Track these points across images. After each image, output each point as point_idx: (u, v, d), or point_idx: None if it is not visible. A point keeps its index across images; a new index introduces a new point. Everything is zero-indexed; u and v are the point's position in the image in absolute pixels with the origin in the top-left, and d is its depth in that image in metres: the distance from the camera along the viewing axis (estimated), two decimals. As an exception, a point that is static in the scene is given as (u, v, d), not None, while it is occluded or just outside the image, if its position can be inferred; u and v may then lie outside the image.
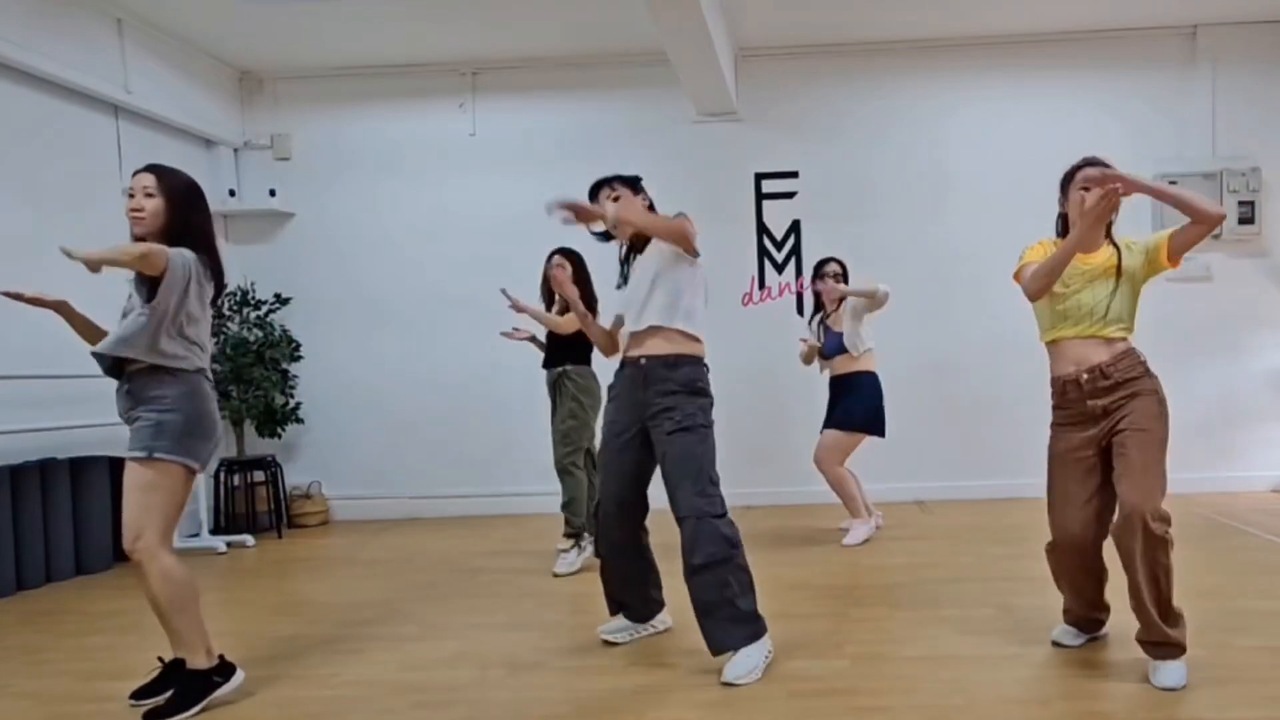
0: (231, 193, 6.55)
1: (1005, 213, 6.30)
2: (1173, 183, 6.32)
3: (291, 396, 6.62)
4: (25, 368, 4.78)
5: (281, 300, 6.57)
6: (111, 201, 5.53)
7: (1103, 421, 2.85)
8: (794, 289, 6.61)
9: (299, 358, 6.64)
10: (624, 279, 3.29)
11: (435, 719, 2.71)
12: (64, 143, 5.22)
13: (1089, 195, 2.80)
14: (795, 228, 6.60)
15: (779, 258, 6.64)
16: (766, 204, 6.63)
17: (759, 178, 6.62)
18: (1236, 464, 6.42)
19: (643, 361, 3.08)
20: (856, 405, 4.96)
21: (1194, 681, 2.75)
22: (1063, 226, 2.99)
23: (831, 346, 5.04)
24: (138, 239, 2.79)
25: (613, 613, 3.37)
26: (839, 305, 5.07)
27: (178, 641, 2.78)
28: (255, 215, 6.65)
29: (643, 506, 3.24)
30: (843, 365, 5.02)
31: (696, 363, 3.12)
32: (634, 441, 3.13)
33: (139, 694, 2.89)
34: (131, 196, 2.80)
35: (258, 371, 6.26)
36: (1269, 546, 4.70)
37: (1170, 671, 2.73)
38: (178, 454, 2.69)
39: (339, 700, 2.89)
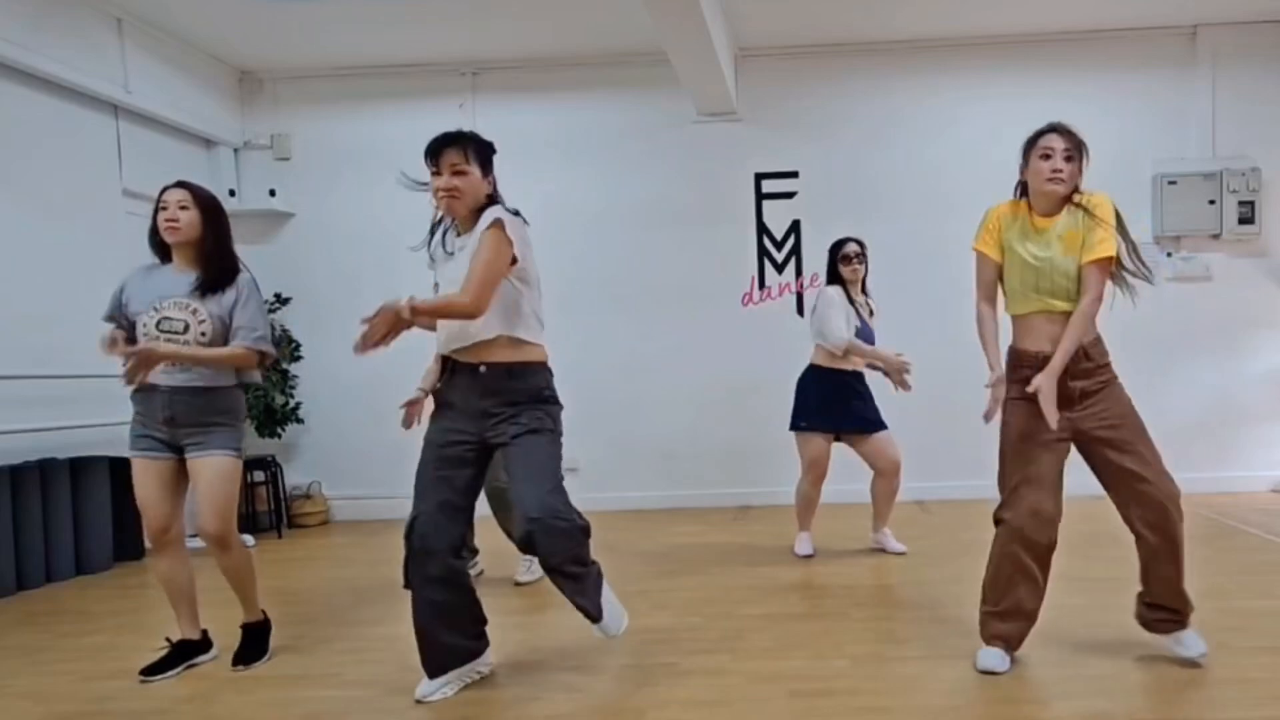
0: (231, 193, 6.55)
1: (1005, 213, 6.32)
2: (1172, 182, 6.36)
3: (291, 396, 6.62)
4: (25, 368, 4.78)
5: (281, 300, 6.57)
6: (112, 202, 5.55)
7: (1076, 406, 2.79)
8: (795, 289, 6.61)
9: (299, 358, 6.64)
10: (446, 251, 2.90)
11: (435, 719, 2.71)
12: (64, 143, 5.22)
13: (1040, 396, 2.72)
14: (795, 228, 6.60)
15: (779, 258, 6.64)
16: (766, 204, 6.63)
17: (759, 178, 6.62)
18: (1236, 464, 6.42)
19: (482, 369, 2.74)
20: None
21: (1194, 681, 2.76)
22: (1022, 191, 2.93)
23: (863, 335, 4.64)
24: (166, 246, 3.14)
25: (431, 672, 2.84)
26: (861, 287, 4.74)
27: (251, 605, 3.29)
28: (255, 215, 6.65)
29: (468, 529, 2.87)
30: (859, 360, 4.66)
31: (541, 369, 2.83)
32: (468, 455, 2.78)
33: (149, 670, 3.13)
34: (164, 209, 3.10)
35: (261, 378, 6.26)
36: (1269, 546, 4.70)
37: (1197, 637, 2.87)
38: (243, 453, 3.25)
39: (339, 700, 2.89)
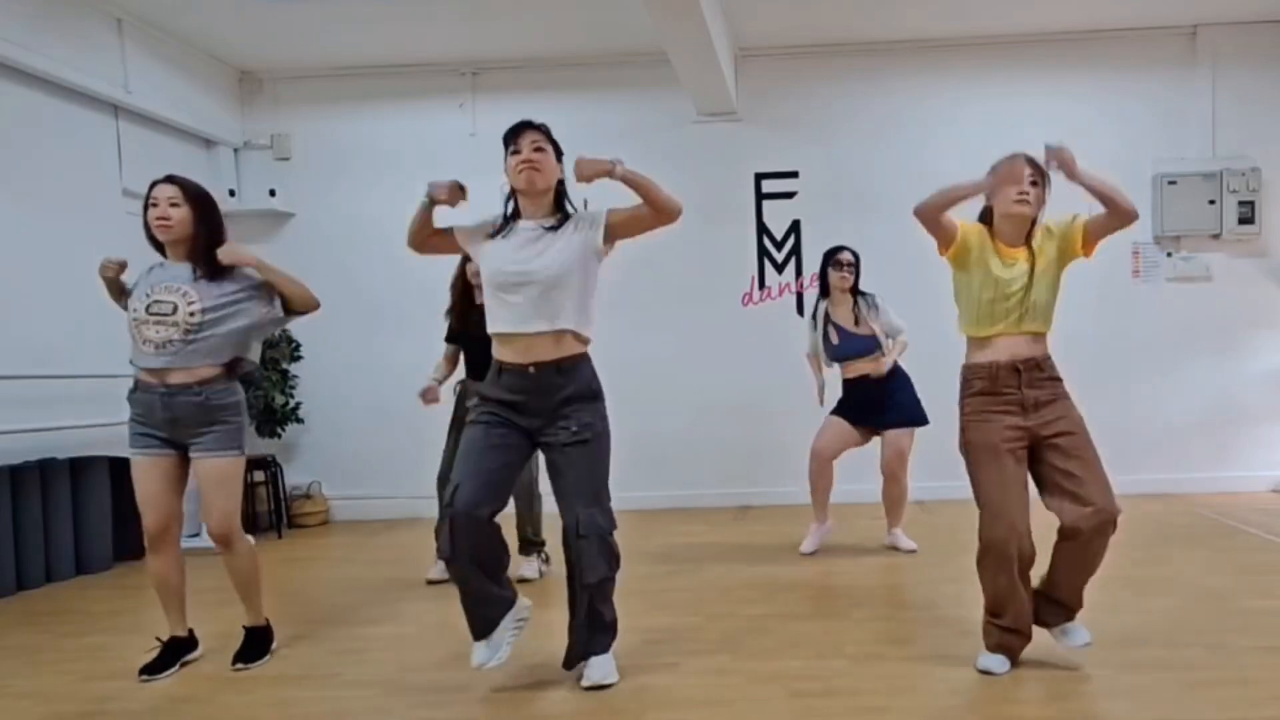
0: (231, 193, 6.55)
1: (1005, 213, 6.34)
2: (1172, 182, 6.37)
3: (291, 396, 6.61)
4: (25, 368, 4.78)
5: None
6: (112, 201, 5.54)
7: (1031, 415, 2.80)
8: (795, 289, 6.61)
9: (299, 358, 6.64)
10: (501, 235, 2.89)
11: (435, 719, 2.71)
12: (64, 143, 5.22)
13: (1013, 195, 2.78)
14: (795, 228, 6.60)
15: (779, 258, 6.64)
16: (766, 204, 6.63)
17: (759, 178, 6.62)
18: (1236, 464, 6.42)
19: (531, 370, 2.79)
20: (913, 398, 4.76)
21: (1194, 681, 2.76)
22: (986, 217, 2.95)
23: (846, 350, 4.72)
24: (160, 244, 3.12)
25: (484, 632, 2.84)
26: (845, 296, 4.75)
27: (254, 608, 3.29)
28: (255, 215, 6.64)
29: (501, 508, 2.84)
30: (872, 365, 4.69)
31: (587, 361, 2.90)
32: (512, 444, 2.83)
33: (148, 670, 3.13)
34: (155, 206, 3.06)
35: (258, 371, 6.26)
36: (1269, 546, 4.70)
37: (1082, 630, 2.88)
38: (246, 449, 3.23)
39: (339, 700, 2.89)
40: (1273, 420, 6.41)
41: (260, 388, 6.28)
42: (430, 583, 4.41)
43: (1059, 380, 2.88)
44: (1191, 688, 2.71)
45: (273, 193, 6.58)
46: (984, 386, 2.83)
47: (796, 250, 6.61)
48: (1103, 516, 2.71)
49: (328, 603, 4.17)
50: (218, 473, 3.11)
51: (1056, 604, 2.90)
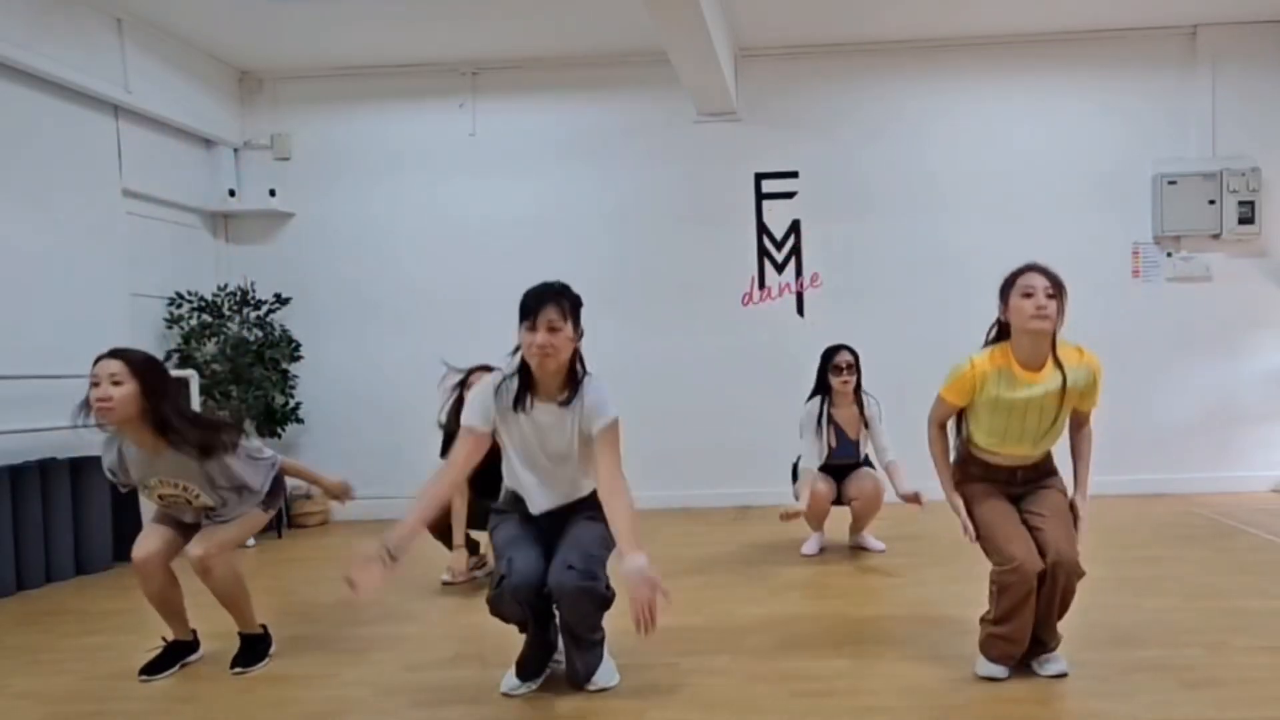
0: (231, 193, 6.55)
1: (1004, 212, 6.35)
2: (1172, 182, 6.34)
3: (291, 396, 6.61)
4: (26, 368, 4.78)
5: (281, 300, 6.56)
6: (111, 201, 5.55)
7: (1017, 490, 2.96)
8: (795, 289, 6.61)
9: (299, 358, 6.64)
10: (514, 409, 2.83)
11: (435, 719, 2.71)
12: (64, 143, 5.22)
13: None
14: (795, 228, 6.60)
15: (779, 258, 6.64)
16: (766, 204, 6.63)
17: (759, 178, 6.61)
18: (1236, 464, 6.42)
19: (551, 509, 2.91)
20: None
21: (1194, 681, 2.76)
22: (998, 333, 2.89)
23: (840, 455, 4.69)
24: (105, 425, 2.91)
25: (526, 675, 2.93)
26: (851, 400, 4.65)
27: (244, 619, 3.25)
28: (255, 215, 6.65)
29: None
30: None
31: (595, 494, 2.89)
32: (540, 531, 2.90)
33: (148, 669, 3.15)
34: (96, 385, 2.79)
35: (258, 371, 6.25)
36: (1269, 546, 4.70)
37: (1060, 660, 2.88)
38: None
39: (339, 700, 2.89)
40: (1273, 420, 6.42)
41: (260, 388, 6.27)
42: (446, 584, 4.38)
43: (1054, 473, 2.98)
44: (1191, 688, 2.71)
45: (273, 193, 6.58)
46: (981, 472, 2.95)
47: (796, 250, 6.61)
48: (1064, 566, 2.72)
49: (328, 603, 4.17)
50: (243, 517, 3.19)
51: (1034, 640, 2.89)
